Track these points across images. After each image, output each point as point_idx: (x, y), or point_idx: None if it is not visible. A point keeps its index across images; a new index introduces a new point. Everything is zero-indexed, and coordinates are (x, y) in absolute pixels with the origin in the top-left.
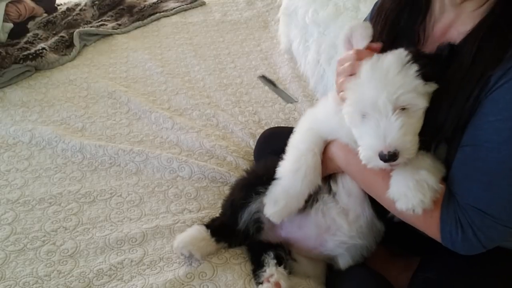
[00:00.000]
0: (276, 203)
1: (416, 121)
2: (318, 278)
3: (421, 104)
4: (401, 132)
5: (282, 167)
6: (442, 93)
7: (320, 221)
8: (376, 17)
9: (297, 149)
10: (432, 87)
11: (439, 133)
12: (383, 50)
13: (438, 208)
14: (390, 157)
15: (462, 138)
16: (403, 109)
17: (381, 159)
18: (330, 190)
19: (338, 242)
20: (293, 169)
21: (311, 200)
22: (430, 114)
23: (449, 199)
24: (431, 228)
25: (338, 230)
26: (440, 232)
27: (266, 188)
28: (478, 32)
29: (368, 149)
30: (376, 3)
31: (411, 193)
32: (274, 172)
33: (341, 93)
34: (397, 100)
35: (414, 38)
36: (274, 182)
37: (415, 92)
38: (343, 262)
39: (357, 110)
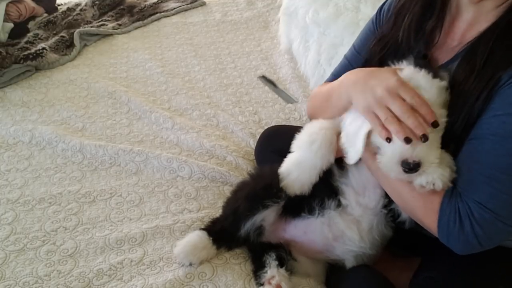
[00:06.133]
0: (288, 175)
1: (440, 136)
2: (319, 277)
3: (444, 118)
4: (428, 145)
5: (297, 140)
6: (455, 94)
7: (326, 233)
8: (395, 19)
9: (315, 125)
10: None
11: (449, 131)
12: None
13: (440, 196)
14: (414, 166)
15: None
16: None
17: (404, 167)
18: (337, 205)
19: (347, 250)
20: (308, 141)
21: (316, 211)
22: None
23: (452, 190)
24: (430, 217)
25: (348, 240)
26: (437, 221)
27: (275, 202)
28: (492, 32)
29: (393, 153)
30: (382, 6)
31: (431, 168)
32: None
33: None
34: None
35: (430, 38)
36: (289, 154)
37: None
38: (349, 264)
39: None
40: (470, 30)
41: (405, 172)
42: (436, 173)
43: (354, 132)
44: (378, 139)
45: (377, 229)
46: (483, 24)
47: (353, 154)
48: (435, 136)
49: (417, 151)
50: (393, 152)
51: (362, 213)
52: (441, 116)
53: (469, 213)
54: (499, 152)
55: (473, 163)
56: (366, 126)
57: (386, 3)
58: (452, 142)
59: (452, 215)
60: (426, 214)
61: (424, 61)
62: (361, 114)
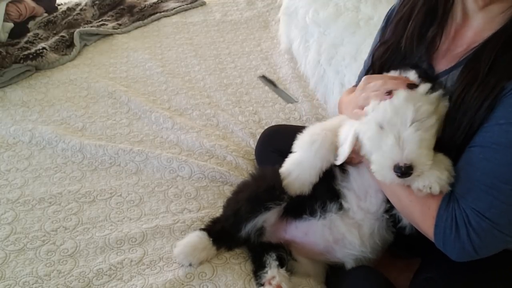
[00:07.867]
0: (289, 174)
1: (431, 137)
2: (319, 277)
3: (433, 120)
4: (417, 145)
5: (299, 140)
6: (457, 101)
7: (327, 235)
8: (396, 26)
9: (317, 126)
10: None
11: (451, 140)
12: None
13: (438, 202)
14: (406, 169)
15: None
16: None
17: (396, 172)
18: (339, 208)
19: (347, 253)
20: (309, 141)
21: (318, 213)
22: (444, 122)
23: (450, 196)
24: (426, 222)
25: (349, 244)
26: (434, 227)
27: (277, 204)
28: (498, 40)
29: (384, 159)
30: (388, 14)
31: (428, 171)
32: None
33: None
34: (418, 112)
35: (431, 45)
36: (290, 154)
37: (431, 108)
38: (349, 267)
39: (378, 119)
40: (477, 38)
41: (399, 177)
42: (433, 177)
43: (345, 136)
44: (369, 148)
45: (378, 233)
46: (488, 31)
47: (340, 154)
48: (425, 137)
49: (406, 153)
50: (383, 158)
51: (364, 217)
52: (424, 112)
53: (466, 221)
54: (501, 162)
55: (473, 171)
56: (353, 129)
57: (390, 10)
58: (453, 151)
59: (449, 222)
60: (423, 219)
61: (418, 68)
62: (353, 116)
